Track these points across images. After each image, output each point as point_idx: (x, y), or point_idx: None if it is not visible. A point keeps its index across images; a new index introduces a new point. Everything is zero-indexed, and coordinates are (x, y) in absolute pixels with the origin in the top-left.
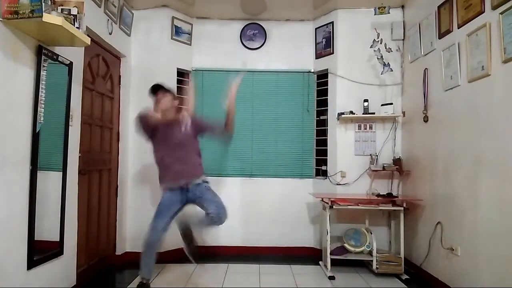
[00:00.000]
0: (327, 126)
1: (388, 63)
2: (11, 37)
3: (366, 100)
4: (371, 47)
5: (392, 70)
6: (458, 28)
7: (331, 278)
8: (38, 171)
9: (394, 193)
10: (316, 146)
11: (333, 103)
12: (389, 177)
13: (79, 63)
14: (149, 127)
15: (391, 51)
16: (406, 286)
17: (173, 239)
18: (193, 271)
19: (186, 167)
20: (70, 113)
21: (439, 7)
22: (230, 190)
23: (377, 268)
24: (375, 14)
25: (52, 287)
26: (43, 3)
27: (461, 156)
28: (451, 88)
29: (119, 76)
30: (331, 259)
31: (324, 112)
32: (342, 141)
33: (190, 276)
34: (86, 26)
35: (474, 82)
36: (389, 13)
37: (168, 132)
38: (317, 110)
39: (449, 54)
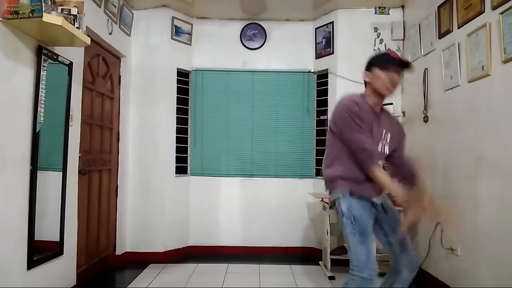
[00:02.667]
0: (327, 126)
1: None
2: (11, 37)
3: None
4: (374, 46)
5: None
6: (458, 28)
7: (331, 278)
8: (38, 171)
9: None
10: (316, 146)
11: (333, 103)
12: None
13: (79, 63)
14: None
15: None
16: (406, 286)
17: (173, 239)
18: (193, 271)
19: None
20: (70, 113)
21: (439, 7)
22: (230, 190)
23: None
24: (375, 13)
25: (52, 287)
26: (43, 3)
27: (461, 156)
28: (451, 88)
29: (119, 76)
30: (331, 259)
31: (324, 112)
32: None
33: (190, 276)
34: (86, 26)
35: (474, 82)
36: (388, 14)
37: (379, 125)
38: (317, 110)
39: (449, 54)
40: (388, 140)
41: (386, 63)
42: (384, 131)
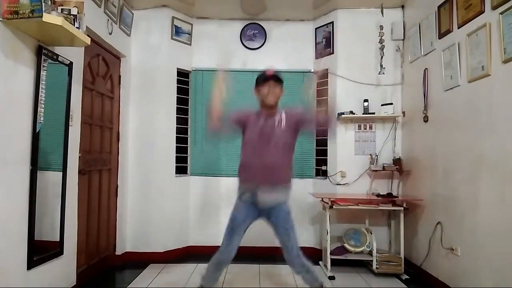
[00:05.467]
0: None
1: (381, 64)
2: (11, 37)
3: (366, 100)
4: (379, 42)
5: (383, 74)
6: (458, 28)
7: (331, 278)
8: (38, 171)
9: (394, 193)
10: (316, 146)
11: (333, 103)
12: (389, 177)
13: (79, 63)
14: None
15: (384, 55)
16: (406, 286)
17: (173, 239)
18: (193, 271)
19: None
20: (70, 113)
21: (439, 7)
22: (230, 190)
23: (377, 268)
24: (381, 11)
25: (52, 287)
26: (43, 3)
27: (461, 156)
28: (451, 88)
29: (119, 76)
30: (331, 259)
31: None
32: (342, 141)
33: (190, 276)
34: (86, 26)
35: (474, 82)
36: (383, 16)
37: (268, 126)
38: (317, 110)
39: (449, 54)
40: (281, 131)
41: (261, 80)
42: (275, 129)
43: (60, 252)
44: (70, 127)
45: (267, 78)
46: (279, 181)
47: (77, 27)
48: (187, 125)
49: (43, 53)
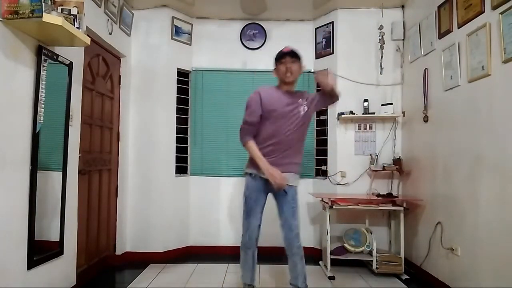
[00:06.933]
0: (327, 126)
1: (381, 64)
2: (11, 37)
3: (366, 100)
4: (379, 42)
5: (381, 74)
6: (458, 28)
7: (331, 278)
8: (38, 171)
9: (394, 193)
10: (316, 146)
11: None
12: (389, 177)
13: (79, 63)
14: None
15: (384, 55)
16: (406, 286)
17: (173, 239)
18: (193, 271)
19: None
20: (70, 113)
21: (439, 7)
22: (230, 190)
23: (377, 268)
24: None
25: (52, 287)
26: (43, 3)
27: (461, 156)
28: (451, 88)
29: (119, 76)
30: (331, 259)
31: (324, 112)
32: (342, 141)
33: (190, 276)
34: (86, 26)
35: (474, 82)
36: (382, 17)
37: (289, 104)
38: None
39: (449, 54)
40: (302, 112)
41: (278, 57)
42: (295, 107)
43: (60, 252)
44: (70, 127)
45: (286, 54)
46: (299, 160)
47: (77, 27)
48: (187, 125)
49: (43, 53)
